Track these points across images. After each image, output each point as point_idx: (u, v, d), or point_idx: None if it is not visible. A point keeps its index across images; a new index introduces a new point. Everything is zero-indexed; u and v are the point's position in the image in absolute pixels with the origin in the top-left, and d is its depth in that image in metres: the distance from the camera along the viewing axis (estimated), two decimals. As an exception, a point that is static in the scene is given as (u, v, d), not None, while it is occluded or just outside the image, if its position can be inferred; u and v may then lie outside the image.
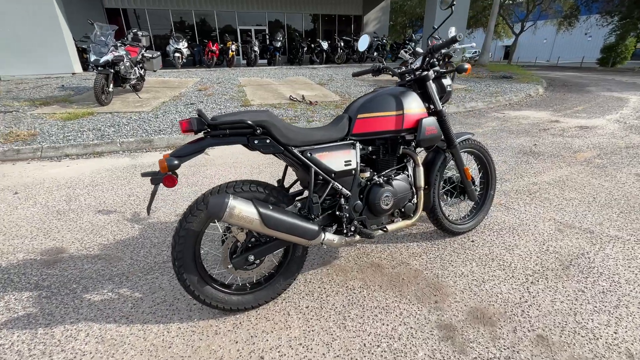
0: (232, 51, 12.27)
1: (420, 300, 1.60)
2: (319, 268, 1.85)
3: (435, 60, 1.79)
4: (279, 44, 13.07)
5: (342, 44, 14.22)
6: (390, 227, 1.70)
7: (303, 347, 1.35)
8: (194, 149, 1.29)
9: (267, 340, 1.39)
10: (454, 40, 1.58)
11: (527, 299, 1.59)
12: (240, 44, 15.74)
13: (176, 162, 1.22)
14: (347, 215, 1.58)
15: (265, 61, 14.40)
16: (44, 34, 9.46)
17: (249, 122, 1.29)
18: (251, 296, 1.52)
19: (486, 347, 1.33)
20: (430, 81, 1.75)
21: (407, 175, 1.77)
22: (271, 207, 1.33)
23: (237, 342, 1.38)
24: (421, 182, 1.76)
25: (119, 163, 3.73)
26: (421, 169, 1.77)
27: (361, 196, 1.64)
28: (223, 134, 1.31)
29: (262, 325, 1.47)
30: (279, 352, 1.33)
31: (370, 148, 1.67)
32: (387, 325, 1.45)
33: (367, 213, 1.64)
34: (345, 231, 1.59)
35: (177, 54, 11.70)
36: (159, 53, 7.27)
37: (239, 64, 14.26)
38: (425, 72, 1.73)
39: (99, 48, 5.60)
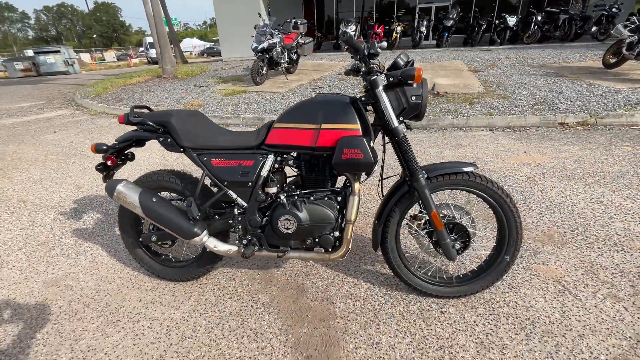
0: (396, 33, 11.94)
1: (296, 347, 1.37)
2: (254, 270, 1.85)
3: (400, 59, 1.33)
4: (449, 22, 11.63)
5: (539, 18, 11.11)
6: (290, 254, 1.49)
7: (166, 330, 1.49)
8: (127, 137, 1.58)
9: (156, 310, 1.60)
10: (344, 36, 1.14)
11: (421, 420, 1.08)
12: (416, 24, 15.03)
13: (104, 147, 1.54)
14: (240, 226, 1.51)
15: (434, 42, 13.26)
16: (249, 25, 12.20)
17: (149, 122, 1.45)
18: (171, 270, 1.76)
19: None
20: (380, 88, 1.32)
21: (336, 202, 1.46)
22: (154, 200, 1.47)
23: (139, 301, 1.67)
24: (352, 214, 1.41)
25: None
26: (356, 199, 1.41)
27: (267, 212, 1.51)
28: (142, 129, 1.53)
29: (167, 297, 1.69)
30: (150, 324, 1.52)
31: (291, 162, 1.48)
32: (241, 351, 1.36)
33: (270, 231, 1.50)
34: (237, 241, 1.53)
35: (344, 38, 12.47)
36: (311, 39, 8.07)
37: (405, 45, 13.75)
38: (374, 77, 1.32)
39: (259, 37, 6.82)
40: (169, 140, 1.48)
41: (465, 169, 1.39)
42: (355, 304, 1.58)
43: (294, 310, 1.57)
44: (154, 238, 1.64)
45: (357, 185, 1.41)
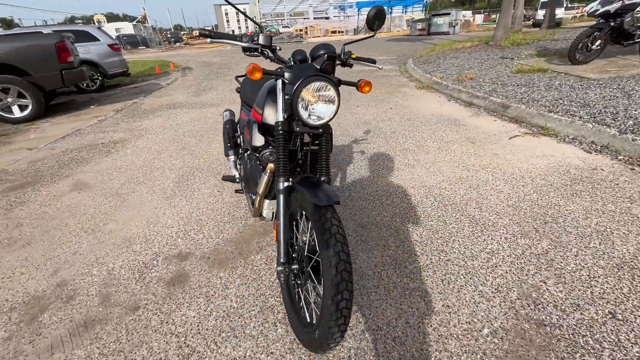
0: None
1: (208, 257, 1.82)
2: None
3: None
4: None
5: None
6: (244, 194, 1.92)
7: (184, 209, 2.39)
8: None
9: (199, 197, 2.52)
10: None
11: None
12: None
13: (238, 90, 2.40)
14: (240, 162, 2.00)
15: None
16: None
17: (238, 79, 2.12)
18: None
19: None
20: (280, 80, 1.22)
21: (262, 173, 1.54)
22: (227, 126, 2.19)
23: (202, 189, 2.65)
24: (260, 187, 1.49)
25: (459, 114, 4.18)
26: (265, 176, 1.45)
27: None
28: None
29: (214, 193, 2.55)
30: (185, 201, 2.48)
31: None
32: (178, 231, 2.02)
33: None
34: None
35: None
36: None
37: None
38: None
39: (610, -5, 4.65)
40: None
41: (316, 201, 1.01)
42: (241, 269, 1.69)
43: (232, 235, 1.95)
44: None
45: (269, 165, 1.43)
